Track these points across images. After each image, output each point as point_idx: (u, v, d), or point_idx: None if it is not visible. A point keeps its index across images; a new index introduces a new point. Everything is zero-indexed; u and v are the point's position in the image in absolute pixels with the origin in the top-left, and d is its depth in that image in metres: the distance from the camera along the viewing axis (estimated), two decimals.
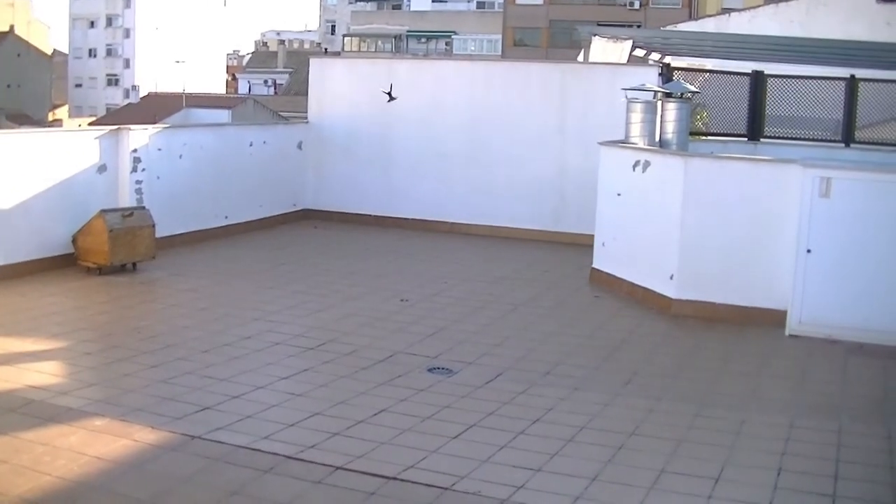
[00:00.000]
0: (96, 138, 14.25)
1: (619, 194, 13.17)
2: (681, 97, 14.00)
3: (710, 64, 19.49)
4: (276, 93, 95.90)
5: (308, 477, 6.73)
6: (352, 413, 8.05)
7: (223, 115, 57.83)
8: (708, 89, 17.43)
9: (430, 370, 9.38)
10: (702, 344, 10.80)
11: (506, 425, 7.91)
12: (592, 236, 13.97)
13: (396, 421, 7.91)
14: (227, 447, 7.20)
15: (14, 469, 6.67)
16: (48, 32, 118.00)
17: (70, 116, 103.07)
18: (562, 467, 7.08)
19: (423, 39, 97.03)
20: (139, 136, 14.71)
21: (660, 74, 16.29)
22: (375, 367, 9.41)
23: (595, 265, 13.72)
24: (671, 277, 11.91)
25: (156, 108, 64.09)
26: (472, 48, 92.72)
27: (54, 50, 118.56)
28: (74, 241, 13.25)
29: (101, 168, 14.13)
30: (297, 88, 79.15)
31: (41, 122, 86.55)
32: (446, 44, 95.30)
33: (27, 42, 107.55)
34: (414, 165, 18.09)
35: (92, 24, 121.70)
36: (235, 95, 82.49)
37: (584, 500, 6.48)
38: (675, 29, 27.07)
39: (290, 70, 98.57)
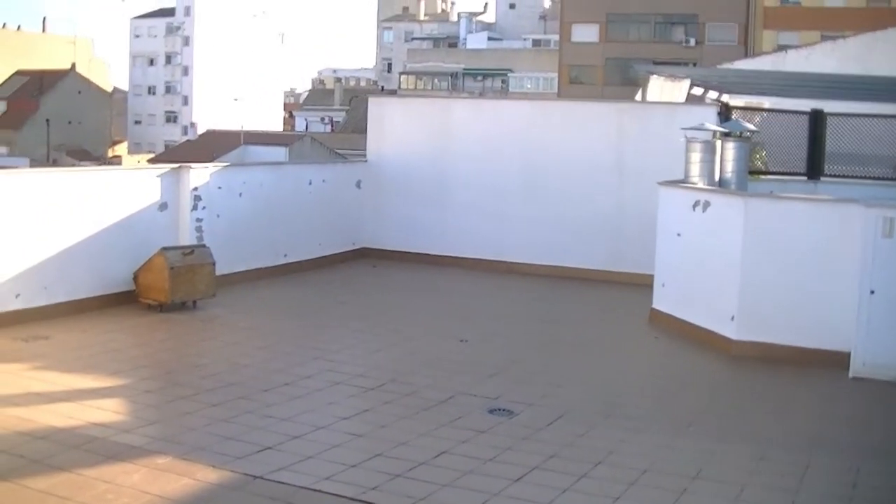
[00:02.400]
0: (158, 176, 14.37)
1: (678, 234, 13.09)
2: (740, 136, 13.94)
3: (767, 102, 19.40)
4: (332, 130, 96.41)
5: None
6: (413, 454, 8.02)
7: (280, 152, 58.05)
8: (766, 128, 17.31)
9: (490, 411, 9.33)
10: (763, 386, 10.70)
11: (568, 468, 7.85)
12: (650, 276, 13.89)
13: (458, 463, 7.87)
14: (288, 488, 7.19)
15: None
16: (108, 70, 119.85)
17: (129, 153, 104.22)
18: None
19: (479, 77, 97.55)
20: (200, 174, 14.82)
21: (718, 113, 16.21)
22: (436, 408, 9.38)
23: (655, 305, 13.63)
24: (732, 318, 11.81)
25: (214, 145, 64.51)
26: (528, 86, 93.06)
27: (114, 87, 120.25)
28: (135, 278, 13.35)
29: (163, 206, 14.25)
30: (354, 126, 79.52)
31: (101, 159, 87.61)
32: (502, 82, 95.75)
33: (88, 80, 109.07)
34: (471, 204, 18.05)
35: (151, 62, 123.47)
36: (293, 133, 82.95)
37: None
38: (731, 67, 27.02)
39: (347, 108, 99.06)
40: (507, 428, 8.87)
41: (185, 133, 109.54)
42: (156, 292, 13.12)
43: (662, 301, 13.48)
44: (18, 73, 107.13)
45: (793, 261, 11.53)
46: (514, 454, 8.15)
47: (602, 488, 7.40)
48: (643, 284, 14.38)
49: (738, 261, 11.70)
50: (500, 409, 9.39)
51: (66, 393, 9.36)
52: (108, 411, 8.88)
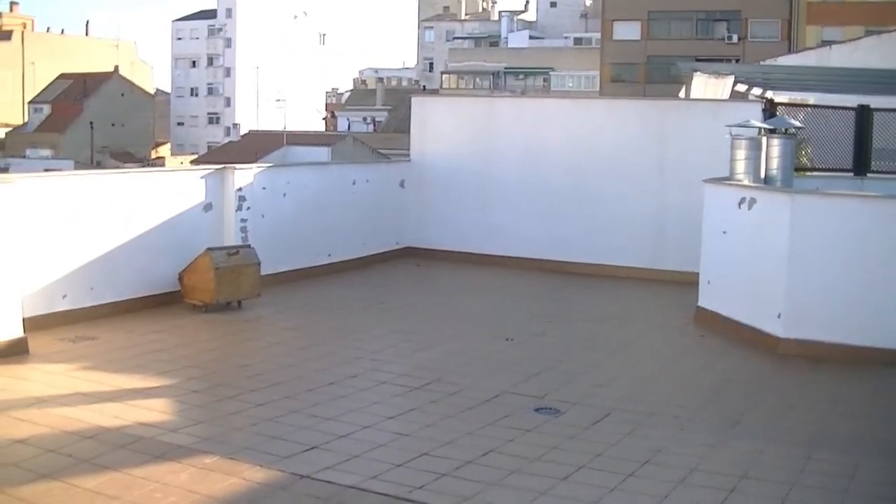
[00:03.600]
0: (202, 177, 14.43)
1: (724, 232, 13.01)
2: (785, 133, 13.82)
3: (812, 98, 19.27)
4: (374, 130, 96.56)
5: None
6: (459, 454, 8.00)
7: (323, 152, 58.21)
8: (812, 124, 17.16)
9: (536, 410, 9.30)
10: (811, 384, 10.60)
11: (615, 467, 7.80)
12: (694, 274, 13.82)
13: (504, 462, 7.84)
14: (335, 487, 7.19)
15: None
16: (151, 72, 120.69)
17: (172, 154, 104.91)
18: None
19: (521, 76, 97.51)
20: (244, 175, 14.88)
21: (763, 110, 16.08)
22: (482, 407, 9.36)
23: (700, 304, 13.54)
24: (778, 316, 11.71)
25: (256, 145, 64.75)
26: (570, 84, 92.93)
27: (157, 89, 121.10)
28: (180, 278, 13.40)
29: (207, 207, 14.30)
30: (396, 126, 79.70)
31: (144, 161, 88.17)
32: (544, 80, 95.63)
33: (131, 82, 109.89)
34: (514, 203, 18.03)
35: (193, 64, 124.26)
36: (335, 133, 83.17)
37: None
38: (775, 63, 26.84)
39: (389, 107, 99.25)
40: (553, 427, 8.84)
41: (228, 134, 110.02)
42: (201, 293, 13.18)
43: (708, 299, 13.39)
44: (62, 76, 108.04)
45: (840, 257, 11.42)
46: (560, 453, 8.12)
47: (650, 487, 7.35)
48: (688, 283, 14.30)
49: (784, 258, 11.60)
50: (546, 408, 9.36)
51: (112, 393, 9.42)
52: (154, 411, 8.92)
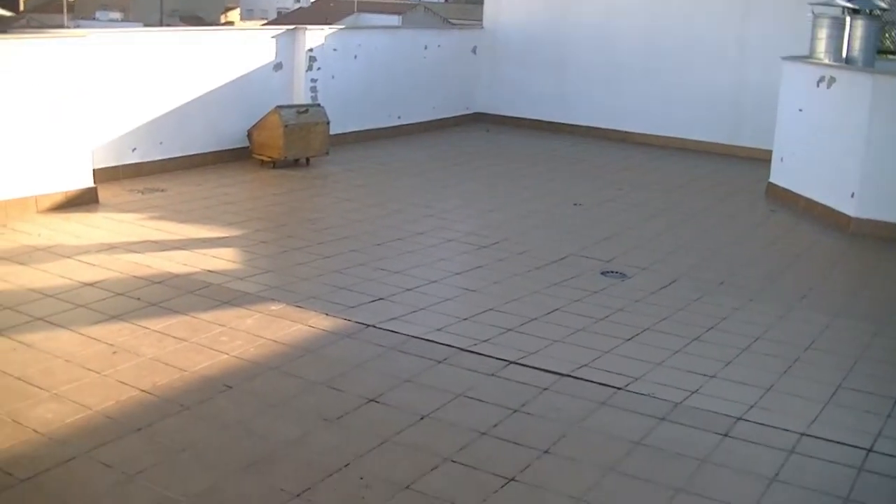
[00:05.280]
0: (273, 37, 14.35)
1: (800, 110, 12.74)
2: (870, 14, 13.42)
3: None
4: (446, 0, 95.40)
5: (481, 369, 6.69)
6: (525, 310, 7.98)
7: (393, 20, 57.75)
8: None
9: (603, 273, 9.24)
10: (881, 263, 10.42)
11: (680, 331, 7.74)
12: (768, 151, 13.62)
13: (570, 320, 7.81)
14: (400, 336, 7.20)
15: (193, 347, 6.78)
16: None
17: (241, 19, 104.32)
18: (736, 375, 6.87)
19: None
20: (315, 36, 14.78)
21: None
22: (548, 268, 9.32)
23: (772, 180, 13.34)
24: (852, 195, 11.48)
25: (327, 12, 64.25)
26: None
27: None
28: (249, 135, 13.41)
29: (277, 66, 14.26)
30: None
31: (214, 25, 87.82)
32: None
33: None
34: (587, 73, 17.83)
35: None
36: (406, 2, 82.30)
37: (758, 409, 6.28)
38: None
39: None
40: (619, 290, 8.78)
41: (298, 0, 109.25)
42: (270, 149, 13.18)
43: (780, 176, 13.19)
44: None
45: None
46: (625, 315, 8.07)
47: (714, 352, 7.29)
48: (761, 159, 14.14)
49: (862, 138, 11.31)
50: (612, 272, 9.30)
51: (181, 241, 9.47)
52: (222, 260, 8.96)
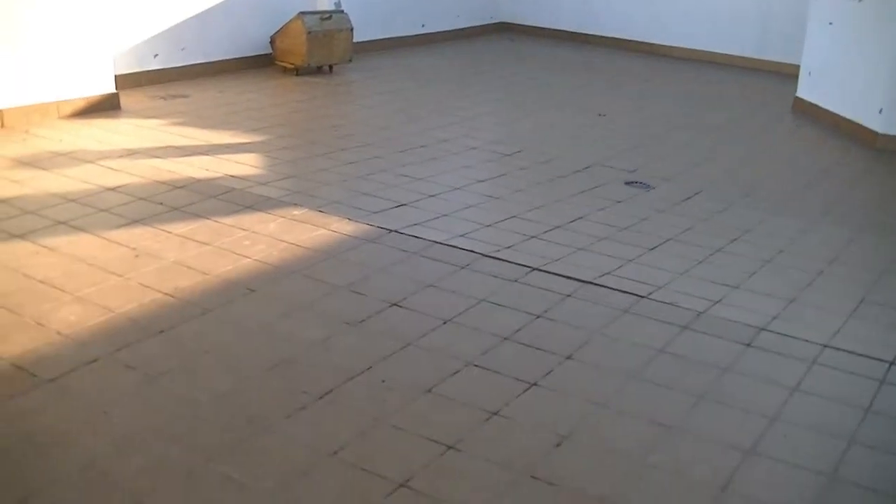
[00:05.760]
0: None
1: (830, 23, 12.53)
2: None
3: None
4: None
5: (504, 275, 6.67)
6: (548, 218, 7.94)
7: None
8: None
9: (627, 183, 9.18)
10: None
11: (703, 241, 7.69)
12: (796, 65, 13.42)
13: (593, 229, 7.77)
14: (423, 242, 7.18)
15: (216, 251, 6.77)
16: None
17: None
18: (759, 286, 6.84)
19: None
20: None
21: None
22: (572, 177, 9.26)
23: (799, 94, 13.17)
24: (880, 111, 11.32)
25: None
26: None
27: None
28: (272, 42, 13.31)
29: None
30: None
31: None
32: None
33: None
34: None
35: None
36: None
37: (781, 321, 6.25)
38: None
39: None
40: (643, 200, 8.73)
41: None
42: (292, 56, 13.08)
43: (807, 90, 13.01)
44: None
45: None
46: (650, 224, 8.02)
47: (738, 263, 7.25)
48: (788, 74, 13.97)
49: (892, 54, 11.14)
50: (636, 182, 9.24)
51: (204, 147, 9.44)
52: (245, 165, 8.93)
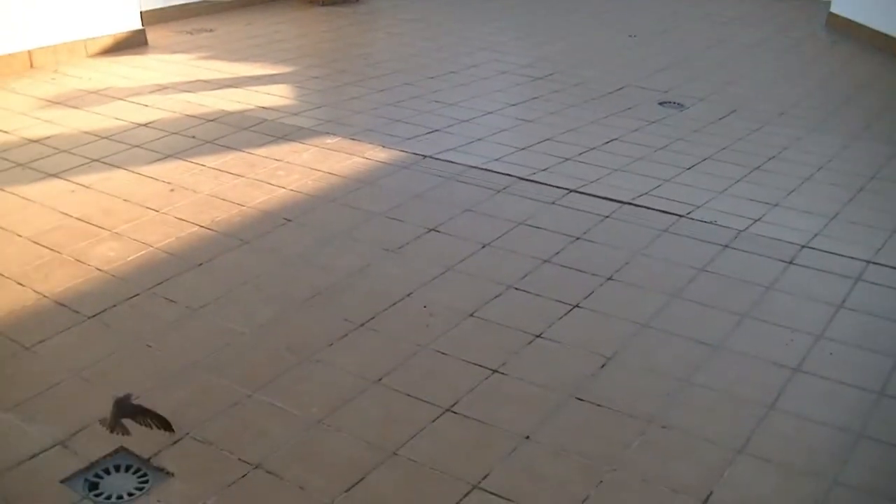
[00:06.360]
0: None
1: None
2: None
3: None
4: None
5: (541, 198, 6.61)
6: (583, 140, 7.87)
7: None
8: None
9: (661, 104, 9.08)
10: None
11: (740, 160, 7.60)
12: None
13: (628, 150, 7.70)
14: (458, 167, 7.12)
15: (250, 182, 6.74)
16: None
17: None
18: (799, 204, 6.75)
19: None
20: None
21: None
22: (605, 98, 9.17)
23: (832, 9, 12.96)
24: None
25: None
26: None
27: None
28: None
29: None
30: None
31: None
32: None
33: None
34: None
35: None
36: None
37: (822, 237, 6.18)
38: None
39: None
40: (677, 119, 8.63)
41: None
42: None
43: (841, 5, 12.79)
44: None
45: None
46: (685, 144, 7.93)
47: (776, 181, 7.16)
48: None
49: None
50: (670, 102, 9.14)
51: (233, 80, 9.39)
52: (275, 96, 8.87)
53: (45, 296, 5.10)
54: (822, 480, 3.84)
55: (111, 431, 4.01)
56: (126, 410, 4.09)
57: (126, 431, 4.03)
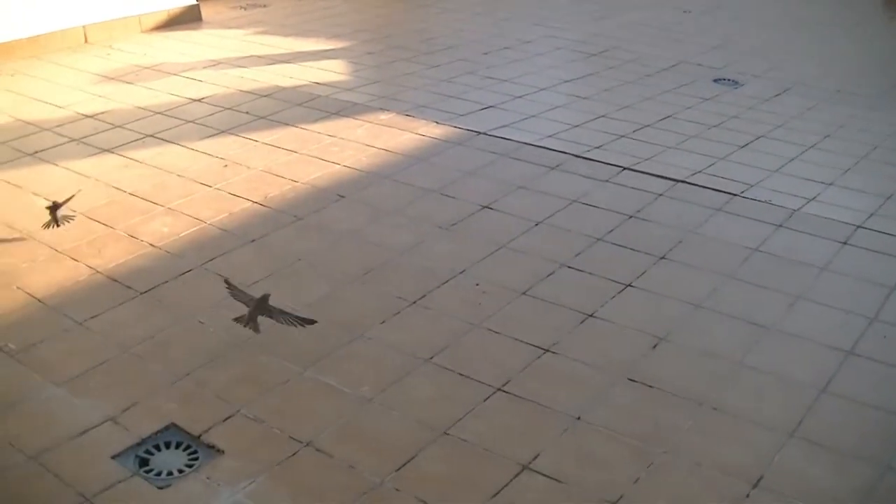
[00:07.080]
0: None
1: None
2: None
3: None
4: None
5: (595, 175, 6.58)
6: (637, 117, 7.82)
7: None
8: None
9: (715, 81, 9.00)
10: None
11: (796, 138, 7.52)
12: None
13: (683, 127, 7.64)
14: (512, 143, 7.10)
15: (303, 158, 6.76)
16: None
17: None
18: (855, 183, 6.67)
19: None
20: None
21: None
22: (660, 75, 9.10)
23: None
24: None
25: None
26: None
27: None
28: None
29: None
30: None
31: None
32: None
33: None
34: None
35: None
36: None
37: (878, 217, 6.10)
38: None
39: None
40: (732, 97, 8.55)
41: None
42: None
43: None
44: None
45: None
46: (740, 122, 7.86)
47: (831, 160, 7.08)
48: None
49: None
50: (725, 79, 9.06)
51: (286, 55, 9.41)
52: (329, 72, 8.88)
53: (97, 271, 5.15)
54: (875, 466, 3.81)
55: (245, 326, 4.37)
56: (265, 309, 4.40)
57: (257, 329, 4.37)
